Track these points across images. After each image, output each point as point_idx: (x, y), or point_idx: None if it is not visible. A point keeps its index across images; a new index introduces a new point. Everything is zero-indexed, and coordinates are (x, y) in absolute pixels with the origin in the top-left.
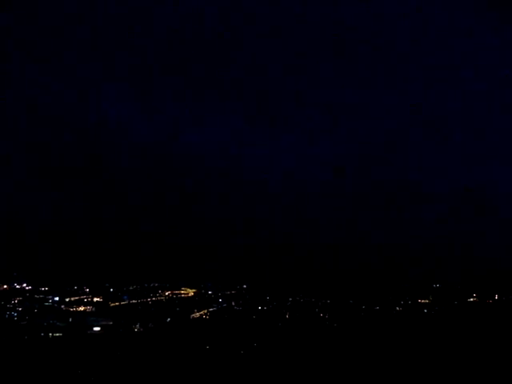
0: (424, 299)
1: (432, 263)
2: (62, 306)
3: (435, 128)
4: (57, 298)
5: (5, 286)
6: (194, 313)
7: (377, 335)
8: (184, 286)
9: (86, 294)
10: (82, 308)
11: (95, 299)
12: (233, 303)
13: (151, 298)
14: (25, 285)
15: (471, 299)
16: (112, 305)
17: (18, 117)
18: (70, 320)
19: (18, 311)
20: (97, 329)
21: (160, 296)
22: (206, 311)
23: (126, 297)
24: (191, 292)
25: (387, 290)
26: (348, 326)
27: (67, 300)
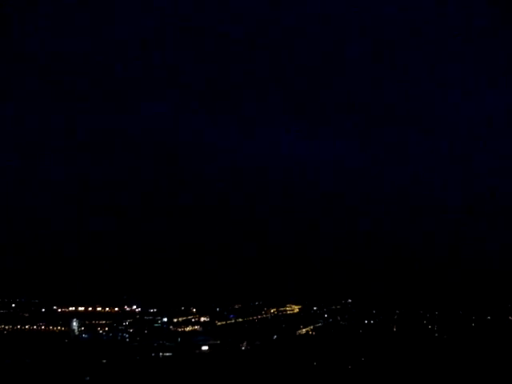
0: None
1: None
2: (171, 327)
3: None
4: (165, 319)
5: (116, 309)
6: (300, 329)
7: (491, 346)
8: (289, 303)
9: (193, 314)
10: (189, 328)
11: (202, 319)
12: (338, 318)
13: (257, 315)
14: (135, 307)
15: None
16: (219, 324)
17: None
18: (179, 340)
19: (129, 332)
20: (205, 348)
21: (265, 314)
22: (311, 327)
23: (232, 315)
24: (296, 308)
25: (496, 299)
26: (458, 338)
27: (175, 320)
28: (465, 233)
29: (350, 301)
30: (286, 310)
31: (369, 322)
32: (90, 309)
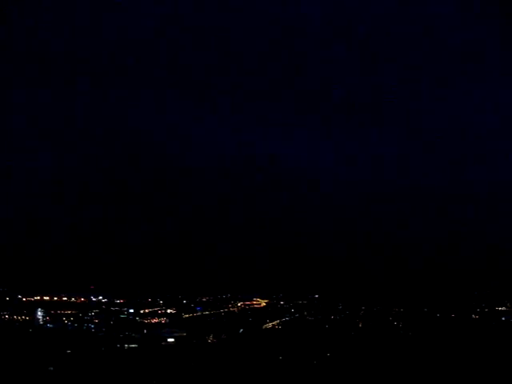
0: (502, 306)
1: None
2: (137, 318)
3: None
4: (132, 310)
5: (82, 299)
6: (266, 323)
7: (453, 343)
8: (256, 297)
9: (159, 305)
10: (156, 320)
11: (169, 311)
12: (305, 313)
13: (224, 309)
14: (101, 297)
15: None
16: (185, 316)
17: None
18: (145, 331)
19: (94, 323)
20: (171, 340)
21: (232, 307)
22: (278, 321)
23: (199, 308)
24: (263, 303)
25: (462, 297)
26: (423, 335)
27: (142, 312)
28: (433, 231)
29: (316, 296)
30: (253, 304)
31: (335, 317)
32: (55, 298)
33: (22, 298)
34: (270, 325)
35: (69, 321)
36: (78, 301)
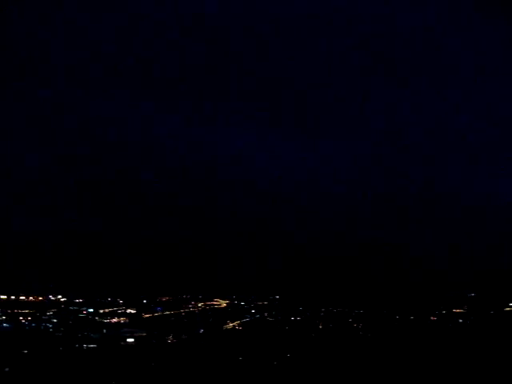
0: (459, 309)
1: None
2: (96, 318)
3: None
4: (91, 310)
5: (40, 298)
6: (226, 324)
7: (412, 345)
8: (217, 298)
9: (119, 305)
10: (115, 319)
11: (129, 311)
12: (265, 314)
13: (184, 309)
14: (60, 296)
15: (508, 308)
16: (145, 316)
17: None
18: (104, 331)
19: (53, 323)
20: (130, 340)
21: (193, 307)
22: (238, 322)
23: (159, 308)
24: (224, 303)
25: (420, 299)
26: (382, 337)
27: (101, 311)
28: (395, 231)
29: (277, 297)
30: (213, 305)
31: (295, 318)
32: (12, 297)
33: None
34: (230, 325)
35: (26, 320)
36: (36, 300)
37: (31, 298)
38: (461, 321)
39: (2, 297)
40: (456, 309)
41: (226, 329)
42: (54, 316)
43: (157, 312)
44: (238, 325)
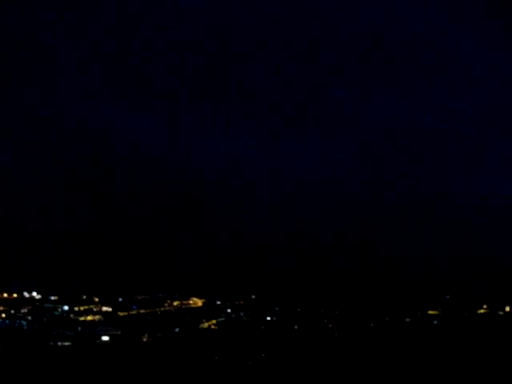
0: (434, 310)
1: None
2: (71, 316)
3: None
4: (66, 308)
5: (15, 295)
6: (202, 323)
7: (386, 346)
8: (192, 296)
9: (94, 303)
10: (90, 317)
11: (104, 309)
12: (241, 313)
13: (160, 308)
14: (34, 294)
15: (481, 311)
16: (121, 314)
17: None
18: (79, 329)
19: (27, 320)
20: (105, 338)
21: (169, 306)
22: (214, 321)
23: (134, 306)
24: (200, 302)
25: (395, 300)
26: (357, 337)
27: (76, 309)
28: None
29: (253, 297)
30: (189, 304)
31: (271, 318)
32: None
33: None
34: (206, 324)
35: (0, 317)
36: (10, 297)
37: (5, 295)
38: (435, 322)
39: None
40: (430, 310)
41: (202, 328)
42: (28, 313)
43: (132, 310)
44: (214, 324)
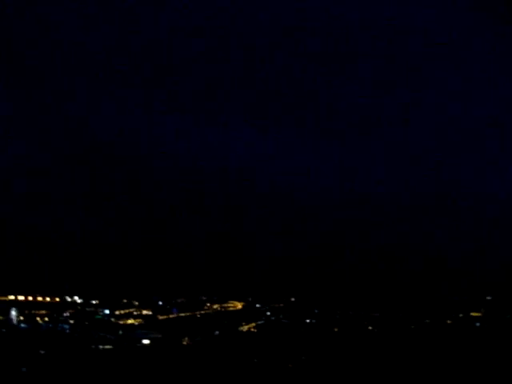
0: (476, 312)
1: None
2: (112, 319)
3: None
4: (107, 311)
5: (57, 299)
6: (241, 326)
7: (428, 349)
8: (232, 299)
9: (135, 307)
10: (131, 321)
11: (144, 312)
12: (281, 316)
13: (199, 311)
14: (76, 298)
15: None
16: (161, 318)
17: None
18: (120, 333)
19: (69, 324)
20: (146, 342)
21: (208, 309)
22: (254, 324)
23: (174, 310)
24: (239, 305)
25: (436, 302)
26: (398, 340)
27: (117, 313)
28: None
29: (292, 299)
30: (228, 307)
31: (311, 321)
32: (29, 298)
33: None
34: (245, 327)
35: (43, 321)
36: (53, 301)
37: (48, 299)
38: (478, 324)
39: (20, 298)
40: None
41: (241, 331)
42: (70, 317)
43: (172, 314)
44: (253, 327)
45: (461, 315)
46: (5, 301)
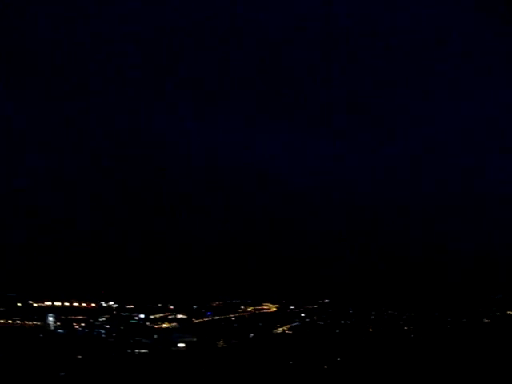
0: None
1: None
2: (147, 324)
3: None
4: (142, 316)
5: (93, 304)
6: (276, 328)
7: (464, 348)
8: (266, 302)
9: (169, 311)
10: (166, 325)
11: (179, 316)
12: (315, 317)
13: (234, 314)
14: (111, 303)
15: None
16: (195, 321)
17: None
18: (155, 337)
19: (105, 328)
20: (181, 345)
21: (243, 312)
22: (288, 326)
23: (209, 313)
24: (273, 307)
25: (472, 301)
26: (434, 340)
27: (152, 317)
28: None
29: (327, 301)
30: (262, 309)
31: (345, 322)
32: (66, 304)
33: (32, 304)
34: (280, 329)
35: (79, 326)
36: (89, 306)
37: (84, 304)
38: None
39: (57, 303)
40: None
41: (276, 333)
42: (106, 322)
43: (207, 317)
44: (288, 329)
45: (498, 314)
46: (42, 307)
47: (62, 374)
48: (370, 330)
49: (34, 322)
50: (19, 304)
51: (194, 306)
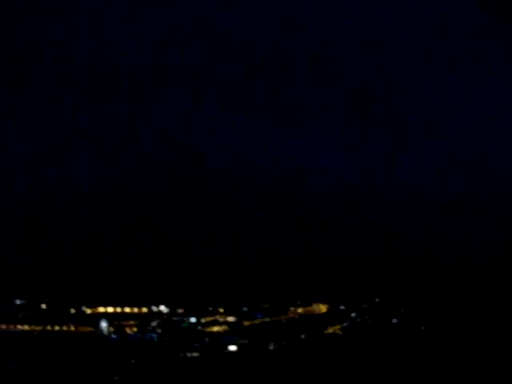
0: None
1: None
2: (199, 327)
3: None
4: (193, 320)
5: (144, 310)
6: (327, 328)
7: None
8: (316, 302)
9: (220, 314)
10: (217, 328)
11: (229, 319)
12: (366, 317)
13: (284, 315)
14: (162, 307)
15: None
16: (246, 324)
17: None
18: (207, 340)
19: (157, 333)
20: (233, 348)
21: (292, 313)
22: (339, 326)
23: (259, 315)
24: (323, 308)
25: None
26: (497, 338)
27: (203, 321)
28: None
29: (377, 300)
30: (313, 310)
31: (397, 321)
32: (118, 309)
33: (86, 310)
34: (331, 330)
35: (132, 331)
36: (140, 311)
37: (135, 309)
38: None
39: (109, 309)
40: None
41: (327, 334)
42: (157, 326)
43: (257, 319)
44: (339, 329)
45: None
46: (95, 313)
47: (117, 378)
48: (423, 328)
49: (88, 328)
50: (73, 311)
51: (244, 309)
